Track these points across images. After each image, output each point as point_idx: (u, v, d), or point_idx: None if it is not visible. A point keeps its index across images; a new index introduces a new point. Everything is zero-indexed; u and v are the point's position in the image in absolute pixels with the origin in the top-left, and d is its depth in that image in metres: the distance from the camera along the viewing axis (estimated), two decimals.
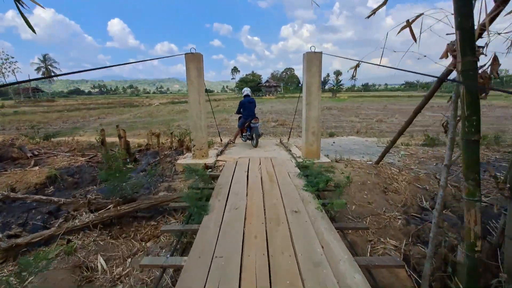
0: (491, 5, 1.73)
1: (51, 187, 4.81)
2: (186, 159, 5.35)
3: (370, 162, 5.62)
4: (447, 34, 2.10)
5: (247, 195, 3.32)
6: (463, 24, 1.50)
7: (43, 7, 1.52)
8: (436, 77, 2.44)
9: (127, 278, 2.52)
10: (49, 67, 75.69)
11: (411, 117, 4.10)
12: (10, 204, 3.75)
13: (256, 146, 6.58)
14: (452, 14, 1.64)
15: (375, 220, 3.73)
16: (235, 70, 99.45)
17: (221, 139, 7.68)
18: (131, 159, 5.84)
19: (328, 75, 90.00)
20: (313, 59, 4.84)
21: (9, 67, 56.44)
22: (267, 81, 72.87)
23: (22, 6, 1.31)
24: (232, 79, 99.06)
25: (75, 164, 5.79)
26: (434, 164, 5.94)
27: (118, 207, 3.16)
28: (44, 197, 3.33)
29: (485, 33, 1.56)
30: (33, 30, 1.43)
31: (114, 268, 2.63)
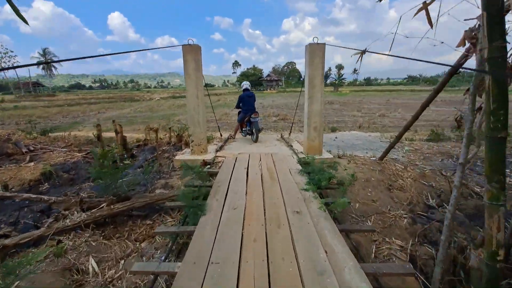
0: None
1: (46, 183, 4.68)
2: (184, 155, 5.20)
3: (373, 158, 5.45)
4: (465, 20, 1.91)
5: (246, 193, 3.17)
6: (492, 5, 1.32)
7: None
8: (450, 65, 2.25)
9: (119, 282, 2.39)
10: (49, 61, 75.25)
11: (418, 112, 3.92)
12: (1, 202, 3.63)
13: (256, 141, 6.42)
14: None
15: (380, 219, 3.58)
16: (236, 64, 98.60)
17: (221, 134, 7.52)
18: (128, 154, 5.70)
19: (330, 69, 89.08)
20: (316, 50, 4.63)
21: (9, 61, 56.11)
22: (268, 75, 72.29)
23: None
24: (233, 73, 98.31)
25: (71, 160, 5.66)
26: (440, 160, 5.77)
27: (112, 206, 3.03)
28: (33, 196, 3.19)
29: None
30: (25, 21, 1.28)
31: (106, 271, 2.50)
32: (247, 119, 6.52)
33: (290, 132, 7.71)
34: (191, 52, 4.65)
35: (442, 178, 4.71)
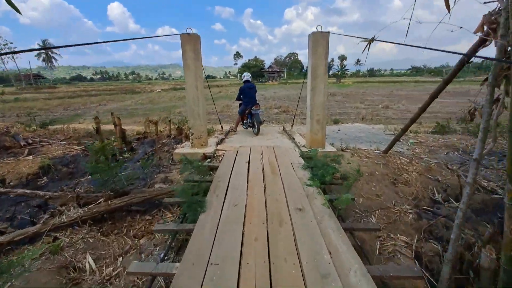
0: None
1: (45, 177, 4.62)
2: (184, 148, 5.09)
3: (377, 151, 5.33)
4: (484, 3, 1.75)
5: (247, 189, 3.07)
6: None
7: None
8: (463, 54, 2.10)
9: (117, 280, 2.33)
10: (49, 52, 74.72)
11: (426, 103, 3.77)
12: None
13: (257, 133, 6.30)
14: None
15: (384, 214, 3.50)
16: (237, 55, 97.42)
17: (222, 126, 7.40)
18: (128, 148, 5.61)
19: (332, 60, 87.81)
20: (319, 39, 4.45)
21: None
22: (270, 66, 71.40)
23: None
24: (234, 64, 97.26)
25: (70, 153, 5.58)
26: (446, 153, 5.64)
27: (109, 202, 2.95)
28: (28, 191, 3.12)
29: None
30: (17, 10, 1.17)
31: (104, 268, 2.44)
32: (248, 111, 6.39)
33: (292, 124, 7.57)
34: (190, 41, 4.48)
35: (448, 172, 4.59)
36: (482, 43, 2.16)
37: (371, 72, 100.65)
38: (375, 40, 1.90)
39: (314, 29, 4.48)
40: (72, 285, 2.20)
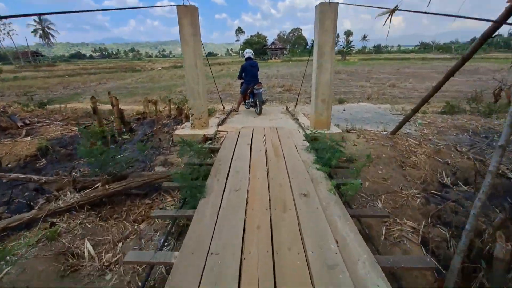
0: None
1: (43, 159, 4.53)
2: (184, 130, 4.93)
3: (384, 133, 5.14)
4: None
5: (249, 173, 2.95)
6: None
7: None
8: (493, 21, 1.85)
9: (117, 266, 2.28)
10: (45, 28, 72.60)
11: (441, 82, 3.52)
12: None
13: (260, 114, 6.10)
14: None
15: (391, 199, 3.39)
16: (239, 31, 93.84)
17: (223, 106, 7.16)
18: (127, 129, 5.47)
19: (338, 36, 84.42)
20: (327, 11, 4.09)
21: (4, 29, 54.27)
22: (273, 43, 69.07)
23: None
24: (236, 40, 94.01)
25: (68, 134, 5.46)
26: (455, 134, 5.44)
27: (107, 186, 2.85)
28: (22, 176, 3.02)
29: None
30: None
31: (103, 254, 2.38)
32: (250, 91, 6.14)
33: (296, 104, 7.32)
34: (187, 14, 4.15)
35: (458, 154, 4.43)
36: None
37: (378, 49, 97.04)
38: (398, 10, 1.65)
39: (321, 0, 4.12)
40: (71, 272, 2.15)
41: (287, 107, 7.05)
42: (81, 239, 2.47)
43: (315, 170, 3.00)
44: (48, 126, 5.96)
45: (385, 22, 1.69)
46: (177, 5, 4.08)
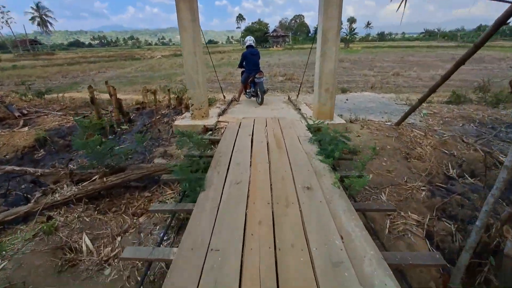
0: None
1: (41, 150, 4.47)
2: (184, 120, 4.83)
3: (389, 123, 5.02)
4: None
5: (250, 165, 2.86)
6: None
7: None
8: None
9: (116, 261, 2.23)
10: (43, 16, 71.36)
11: (451, 71, 3.38)
12: None
13: (261, 103, 5.97)
14: None
15: (395, 191, 3.31)
16: (240, 18, 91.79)
17: (224, 95, 7.02)
18: (126, 119, 5.37)
19: (341, 23, 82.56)
20: None
21: (2, 17, 53.43)
22: (274, 30, 67.63)
23: None
24: (237, 28, 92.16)
25: (66, 125, 5.37)
26: (461, 125, 5.31)
27: (105, 179, 2.78)
28: (17, 168, 2.95)
29: None
30: None
31: (102, 249, 2.34)
32: (251, 80, 5.98)
33: (298, 93, 7.17)
34: None
35: (464, 145, 4.32)
36: None
37: (382, 36, 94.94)
38: None
39: None
40: (68, 267, 2.10)
41: (289, 96, 6.91)
42: (79, 233, 2.43)
43: (318, 162, 2.92)
44: (46, 116, 5.87)
45: (399, 7, 1.56)
46: None
